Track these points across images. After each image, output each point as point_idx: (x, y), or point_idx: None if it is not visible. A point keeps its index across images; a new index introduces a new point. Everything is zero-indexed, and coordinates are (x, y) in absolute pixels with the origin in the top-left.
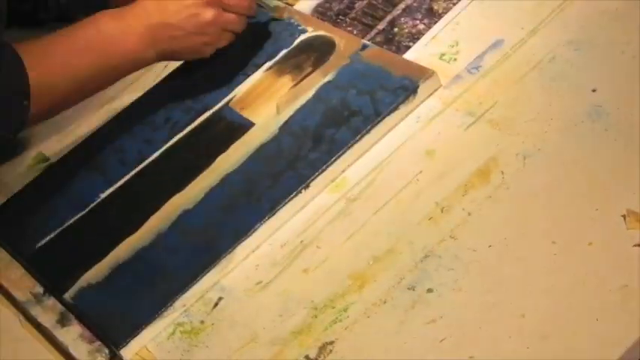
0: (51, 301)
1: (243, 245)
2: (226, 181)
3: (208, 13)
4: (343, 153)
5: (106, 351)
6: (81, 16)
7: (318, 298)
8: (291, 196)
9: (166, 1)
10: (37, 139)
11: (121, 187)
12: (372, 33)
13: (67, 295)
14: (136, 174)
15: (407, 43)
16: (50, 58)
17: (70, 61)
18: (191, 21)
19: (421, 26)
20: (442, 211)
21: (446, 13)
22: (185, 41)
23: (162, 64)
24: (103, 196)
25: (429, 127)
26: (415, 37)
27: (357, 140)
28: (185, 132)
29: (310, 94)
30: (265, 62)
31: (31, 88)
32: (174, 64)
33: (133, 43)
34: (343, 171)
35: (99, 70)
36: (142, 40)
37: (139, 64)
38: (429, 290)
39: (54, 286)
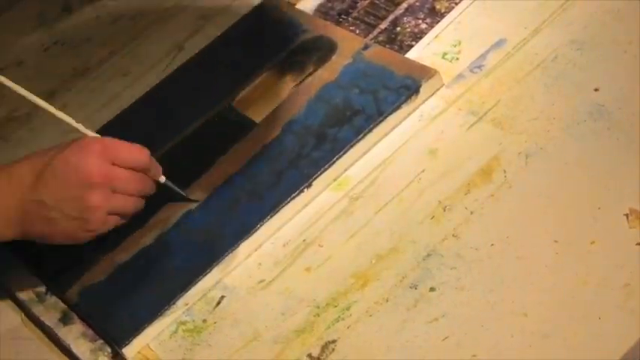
0: (53, 300)
1: (246, 244)
2: (229, 180)
3: (95, 197)
4: (346, 152)
5: (109, 350)
6: None
7: (321, 296)
8: (294, 194)
9: (47, 176)
10: (40, 139)
11: None
12: (375, 32)
13: (69, 294)
14: None
15: (409, 43)
16: None
17: None
18: (73, 204)
19: (423, 25)
20: (444, 210)
21: (448, 12)
22: (60, 225)
23: (165, 62)
24: None
25: (431, 126)
26: (417, 36)
27: (360, 139)
28: (188, 131)
29: (313, 93)
30: (267, 62)
31: None
32: (178, 63)
33: None
34: (346, 170)
35: None
36: (4, 216)
37: None
38: (432, 289)
39: (56, 285)
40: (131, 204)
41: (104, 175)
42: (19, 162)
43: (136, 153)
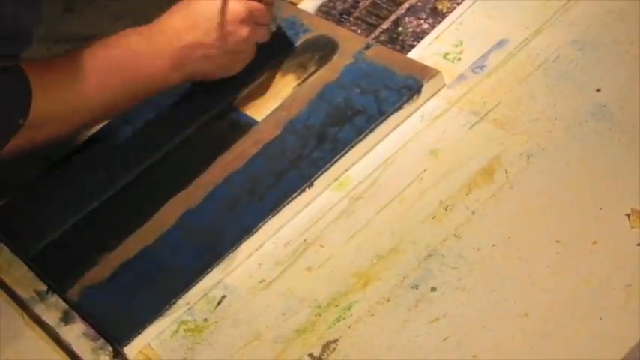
0: (54, 299)
1: (247, 244)
2: (230, 179)
3: (243, 31)
4: (347, 152)
5: (110, 349)
6: None
7: (322, 296)
8: (295, 194)
9: (196, 20)
10: None
11: (124, 185)
12: (376, 32)
13: (71, 293)
14: (139, 173)
15: (411, 43)
16: (84, 80)
17: (103, 82)
18: (227, 39)
19: (425, 25)
20: (446, 210)
21: (450, 12)
22: (218, 60)
23: None
24: (106, 194)
25: (433, 127)
26: (419, 36)
27: (361, 139)
28: (189, 131)
29: (314, 93)
30: (269, 61)
31: (66, 108)
32: None
33: (161, 66)
34: (347, 170)
35: (127, 91)
36: (171, 62)
37: (161, 87)
38: (433, 289)
39: (57, 284)
40: (267, 32)
41: (248, 11)
42: (167, 15)
43: None
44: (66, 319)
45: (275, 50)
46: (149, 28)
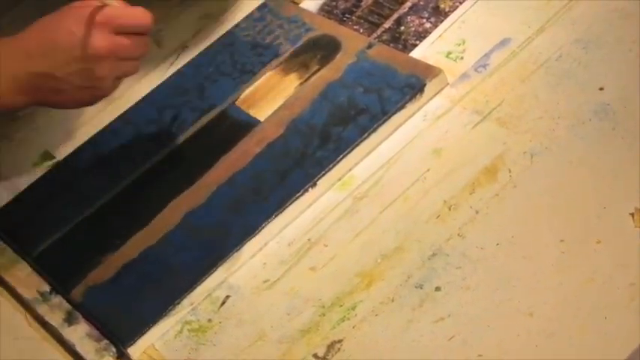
0: (58, 300)
1: (251, 243)
2: (233, 179)
3: (103, 68)
4: (350, 151)
5: (113, 349)
6: None
7: (326, 296)
8: (299, 194)
9: (53, 48)
10: (43, 138)
11: (127, 185)
12: (379, 31)
13: (74, 294)
14: (142, 173)
15: (413, 42)
16: None
17: None
18: (83, 75)
19: (428, 24)
20: (450, 209)
21: (452, 11)
22: (72, 95)
23: (169, 61)
24: (109, 194)
25: (436, 126)
26: (422, 35)
27: (364, 138)
28: (192, 130)
29: (317, 92)
30: (271, 61)
31: None
32: (182, 62)
33: (2, 87)
34: (350, 169)
35: None
36: (15, 86)
37: (6, 107)
38: (437, 288)
39: (61, 285)
40: (136, 66)
41: (110, 47)
42: (26, 32)
43: (140, 19)
44: (69, 319)
45: (276, 50)
46: (1, 43)
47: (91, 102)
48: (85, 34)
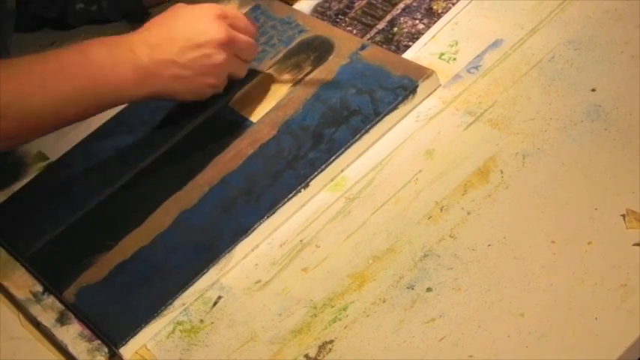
0: (50, 300)
1: (243, 244)
2: (226, 180)
3: (221, 56)
4: (342, 152)
5: (106, 350)
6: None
7: (318, 297)
8: (291, 195)
9: (174, 37)
10: (41, 141)
11: (120, 186)
12: (372, 32)
13: (67, 294)
14: (135, 174)
15: (406, 43)
16: (25, 78)
17: (47, 84)
18: (202, 62)
19: (420, 26)
20: (441, 211)
21: (445, 12)
22: (190, 82)
23: None
24: (102, 195)
25: (428, 127)
26: (414, 36)
27: (357, 139)
28: (185, 131)
29: (310, 93)
30: (265, 62)
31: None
32: None
33: (122, 77)
34: (342, 170)
35: (79, 98)
36: (134, 75)
37: (124, 99)
38: (429, 289)
39: (53, 285)
40: (244, 68)
41: (230, 38)
42: (145, 28)
43: (250, 24)
44: (62, 320)
45: (269, 51)
46: (118, 38)
47: (205, 93)
48: (207, 22)
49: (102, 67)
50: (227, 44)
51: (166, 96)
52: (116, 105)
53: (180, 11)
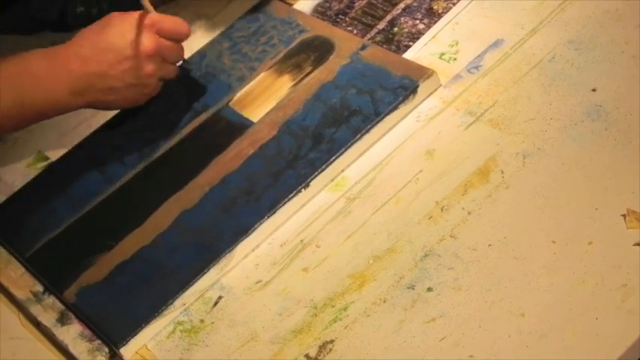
0: (51, 300)
1: (243, 244)
2: (226, 180)
3: (150, 66)
4: (343, 152)
5: (106, 350)
6: None
7: (318, 297)
8: (291, 195)
9: (105, 50)
10: (37, 139)
11: (121, 186)
12: (372, 32)
13: (67, 294)
14: (135, 173)
15: (407, 43)
16: None
17: None
18: (133, 73)
19: (421, 26)
20: (442, 210)
21: (446, 12)
22: (123, 93)
23: None
24: (102, 195)
25: (428, 127)
26: (415, 36)
27: (357, 140)
28: (185, 132)
29: (310, 93)
30: (265, 62)
31: None
32: None
33: (59, 89)
34: (343, 170)
35: (14, 108)
36: (70, 88)
37: (61, 109)
38: (429, 289)
39: (54, 285)
40: (175, 70)
41: (157, 47)
42: (77, 38)
43: (180, 25)
44: (62, 320)
45: (269, 51)
46: (55, 50)
47: (139, 100)
48: (136, 34)
49: (38, 79)
50: (155, 54)
51: (101, 106)
52: (55, 115)
53: (112, 22)
